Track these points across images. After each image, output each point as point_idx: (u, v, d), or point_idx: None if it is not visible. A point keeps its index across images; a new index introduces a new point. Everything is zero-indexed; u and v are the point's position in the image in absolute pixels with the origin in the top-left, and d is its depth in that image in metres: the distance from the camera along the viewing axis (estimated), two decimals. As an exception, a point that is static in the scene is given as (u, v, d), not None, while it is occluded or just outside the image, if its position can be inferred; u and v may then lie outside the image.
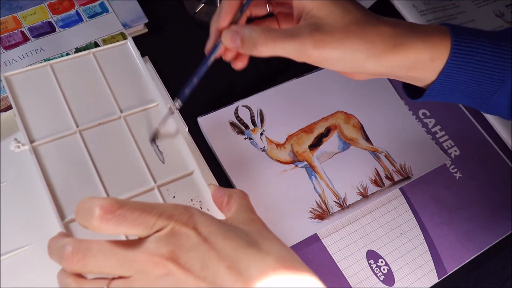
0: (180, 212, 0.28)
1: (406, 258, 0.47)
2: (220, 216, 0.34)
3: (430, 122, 0.56)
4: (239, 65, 0.40)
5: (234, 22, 0.36)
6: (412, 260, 0.47)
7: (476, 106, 0.40)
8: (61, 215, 0.33)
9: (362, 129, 0.53)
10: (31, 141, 0.35)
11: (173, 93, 0.51)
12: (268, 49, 0.34)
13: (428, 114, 0.56)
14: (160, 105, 0.39)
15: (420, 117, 0.56)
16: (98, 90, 0.39)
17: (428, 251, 0.48)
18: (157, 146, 0.38)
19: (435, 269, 0.47)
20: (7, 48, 0.50)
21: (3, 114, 0.46)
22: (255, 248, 0.28)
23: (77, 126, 0.37)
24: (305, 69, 0.56)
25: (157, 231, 0.27)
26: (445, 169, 0.53)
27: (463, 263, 0.48)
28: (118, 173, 0.36)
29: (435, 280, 0.47)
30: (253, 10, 0.40)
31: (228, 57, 0.40)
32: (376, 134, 0.53)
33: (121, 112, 0.38)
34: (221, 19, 0.36)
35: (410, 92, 0.41)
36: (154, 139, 0.38)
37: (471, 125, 0.57)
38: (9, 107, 0.46)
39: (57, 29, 0.52)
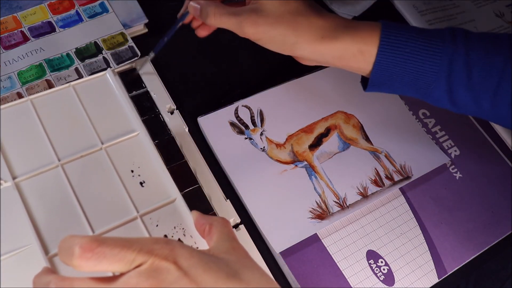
0: (160, 246, 0.28)
1: (406, 258, 0.47)
2: (204, 241, 0.34)
3: (430, 122, 0.56)
4: (201, 33, 0.47)
5: None
6: (412, 260, 0.47)
7: (421, 97, 0.42)
8: (45, 249, 0.33)
9: (362, 129, 0.53)
10: (13, 177, 0.36)
11: (173, 93, 0.51)
12: (215, 21, 0.42)
13: (428, 114, 0.56)
14: (140, 134, 0.39)
15: (420, 117, 0.56)
16: (79, 122, 0.39)
17: (428, 251, 0.48)
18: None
19: (435, 269, 0.47)
20: (7, 48, 0.50)
21: (3, 114, 0.46)
22: (236, 279, 0.28)
23: (59, 160, 0.37)
24: (305, 69, 0.56)
25: (138, 266, 0.28)
26: (445, 169, 0.53)
27: (463, 263, 0.48)
28: (101, 204, 0.36)
29: (435, 280, 0.47)
30: None
31: (194, 24, 0.48)
32: (376, 134, 0.53)
33: (102, 143, 0.38)
34: None
35: (364, 84, 0.44)
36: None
37: (471, 125, 0.57)
38: (9, 107, 0.46)
39: (57, 29, 0.52)
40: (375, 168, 0.51)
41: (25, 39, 0.51)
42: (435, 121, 0.56)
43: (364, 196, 0.49)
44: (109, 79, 0.41)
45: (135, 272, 0.27)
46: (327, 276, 0.45)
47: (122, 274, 0.28)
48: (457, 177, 0.53)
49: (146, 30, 0.55)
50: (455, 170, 0.53)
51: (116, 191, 0.37)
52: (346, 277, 0.45)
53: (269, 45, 0.42)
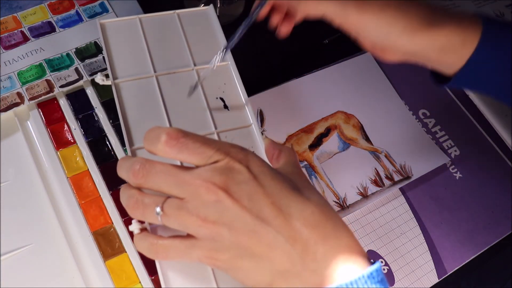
0: (236, 150, 0.31)
1: (406, 258, 0.47)
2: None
3: (430, 122, 0.56)
4: (283, 30, 0.42)
5: None
6: (412, 260, 0.47)
7: (502, 97, 0.40)
8: (131, 142, 0.37)
9: (362, 129, 0.53)
10: (114, 78, 0.40)
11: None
12: (312, 6, 0.37)
13: (428, 114, 0.56)
14: (230, 64, 0.44)
15: (420, 117, 0.56)
16: (177, 45, 0.44)
17: (428, 251, 0.48)
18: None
19: (435, 269, 0.47)
20: (7, 48, 0.50)
21: (3, 114, 0.46)
22: (298, 192, 0.31)
23: (155, 72, 0.41)
24: (305, 69, 0.56)
25: (213, 162, 0.30)
26: (445, 169, 0.53)
27: (463, 263, 0.48)
28: (185, 116, 0.40)
29: (435, 280, 0.47)
30: None
31: (274, 21, 0.42)
32: (376, 134, 0.53)
33: (195, 65, 0.43)
34: None
35: (436, 79, 0.42)
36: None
37: (471, 125, 0.57)
38: (9, 107, 0.46)
39: (57, 29, 0.52)
40: (375, 168, 0.51)
41: (25, 39, 0.51)
42: (435, 121, 0.56)
43: (364, 196, 0.49)
44: (210, 13, 0.46)
45: (210, 167, 0.30)
46: (327, 276, 0.45)
47: (197, 167, 0.30)
48: (457, 177, 0.53)
49: (146, 30, 0.55)
50: (455, 170, 0.53)
51: (200, 108, 0.41)
52: (346, 277, 0.45)
53: (371, 35, 0.38)
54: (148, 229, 0.33)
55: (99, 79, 0.42)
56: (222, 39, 0.44)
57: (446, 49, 0.37)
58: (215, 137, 0.39)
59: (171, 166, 0.31)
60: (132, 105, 0.40)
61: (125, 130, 0.38)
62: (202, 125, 0.40)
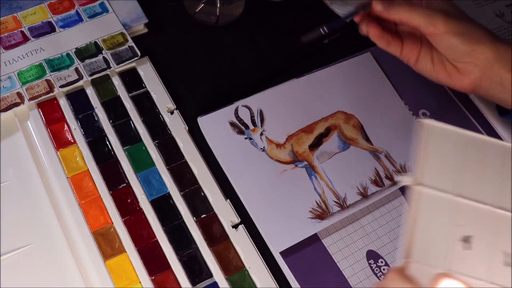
0: None
1: (406, 258, 0.47)
2: None
3: (430, 122, 0.56)
4: (372, 32, 0.46)
5: None
6: (412, 260, 0.47)
7: None
8: (408, 253, 0.34)
9: (362, 129, 0.53)
10: (418, 182, 0.36)
11: (173, 93, 0.51)
12: (402, 11, 0.42)
13: (428, 114, 0.56)
14: None
15: (420, 117, 0.56)
16: (496, 179, 0.38)
17: (428, 251, 0.48)
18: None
19: (435, 269, 0.47)
20: (7, 48, 0.50)
21: (3, 114, 0.46)
22: None
23: (465, 197, 0.37)
24: (305, 69, 0.56)
25: None
26: (445, 169, 0.53)
27: (463, 263, 0.48)
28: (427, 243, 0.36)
29: (435, 280, 0.47)
30: None
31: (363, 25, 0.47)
32: (376, 134, 0.53)
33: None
34: None
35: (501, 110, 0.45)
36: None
37: (471, 126, 0.57)
38: (9, 107, 0.46)
39: (57, 29, 0.52)
40: (375, 168, 0.51)
41: (25, 39, 0.51)
42: (435, 121, 0.56)
43: (364, 196, 0.49)
44: None
45: None
46: (327, 276, 0.45)
47: None
48: (457, 177, 0.53)
49: (146, 30, 0.55)
50: (455, 170, 0.53)
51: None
52: (346, 277, 0.45)
53: (453, 41, 0.42)
54: None
55: (406, 180, 0.37)
56: None
57: None
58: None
59: None
60: (424, 217, 0.36)
61: (408, 239, 0.35)
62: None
